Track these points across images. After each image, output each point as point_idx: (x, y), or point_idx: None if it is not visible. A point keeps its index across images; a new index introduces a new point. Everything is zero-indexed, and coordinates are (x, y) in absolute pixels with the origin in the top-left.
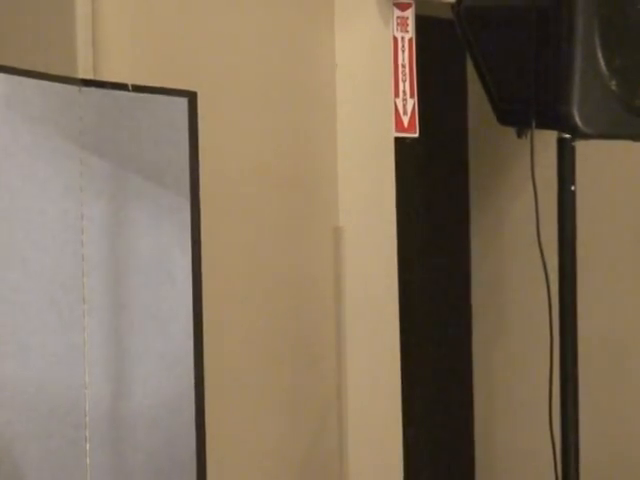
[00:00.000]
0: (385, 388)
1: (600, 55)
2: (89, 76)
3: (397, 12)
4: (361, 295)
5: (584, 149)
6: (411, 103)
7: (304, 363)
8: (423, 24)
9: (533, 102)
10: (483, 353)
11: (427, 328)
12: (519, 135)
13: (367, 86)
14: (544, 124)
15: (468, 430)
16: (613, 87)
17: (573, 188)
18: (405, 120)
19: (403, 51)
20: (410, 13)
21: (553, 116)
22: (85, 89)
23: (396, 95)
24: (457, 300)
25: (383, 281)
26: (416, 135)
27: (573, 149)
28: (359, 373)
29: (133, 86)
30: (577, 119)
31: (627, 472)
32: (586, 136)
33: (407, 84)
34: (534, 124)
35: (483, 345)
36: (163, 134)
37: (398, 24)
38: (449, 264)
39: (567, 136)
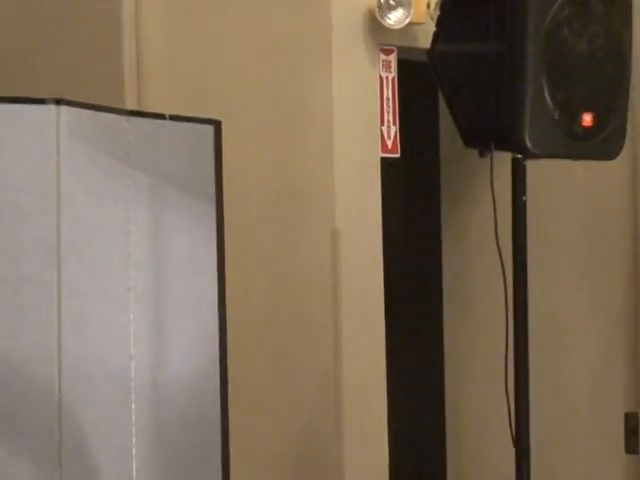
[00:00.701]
0: (373, 360)
1: (546, 91)
2: (134, 107)
3: (382, 56)
4: (354, 284)
5: (535, 166)
6: (394, 130)
7: (305, 341)
8: (403, 66)
9: (492, 129)
10: (452, 330)
11: (406, 310)
12: (481, 155)
13: (358, 115)
14: (501, 146)
15: (440, 394)
16: (556, 116)
17: (524, 198)
18: (389, 143)
19: (387, 87)
20: (393, 57)
21: (508, 140)
22: (131, 118)
23: (382, 123)
24: (431, 288)
25: (371, 272)
26: (398, 155)
27: (524, 167)
28: (352, 347)
29: (170, 115)
30: (527, 143)
31: (560, 421)
32: (535, 156)
33: (390, 114)
34: (493, 146)
35: (452, 324)
36: (194, 154)
37: (383, 66)
38: (424, 259)
39: (519, 156)
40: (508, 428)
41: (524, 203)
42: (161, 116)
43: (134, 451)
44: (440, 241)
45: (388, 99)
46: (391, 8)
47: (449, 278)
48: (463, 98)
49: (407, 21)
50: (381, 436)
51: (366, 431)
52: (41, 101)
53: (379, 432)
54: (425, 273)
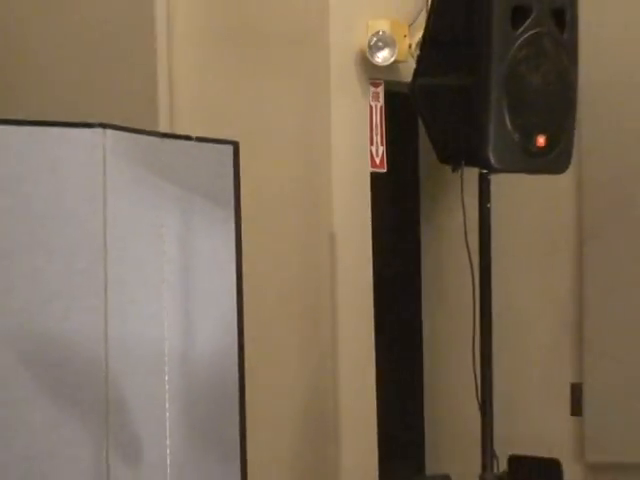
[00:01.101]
0: (364, 338)
1: (507, 117)
2: (166, 129)
3: (372, 88)
4: (348, 276)
5: (499, 179)
6: (381, 149)
7: (309, 324)
8: (389, 96)
9: (463, 148)
10: (429, 313)
11: (391, 299)
12: (453, 170)
13: (352, 137)
14: (470, 163)
15: (419, 368)
16: (516, 138)
17: (489, 205)
18: (377, 160)
19: (376, 115)
20: (381, 89)
21: (476, 158)
22: (165, 140)
23: (371, 144)
24: (412, 281)
25: (363, 267)
26: (385, 170)
27: (489, 180)
28: (347, 329)
29: (196, 137)
30: (491, 160)
31: (517, 389)
32: (497, 171)
33: (378, 136)
34: (463, 163)
35: (429, 308)
36: (216, 169)
37: (372, 96)
38: (406, 256)
39: (485, 171)
40: (475, 395)
41: (488, 209)
42: (189, 137)
43: (167, 414)
44: (419, 240)
45: (376, 124)
46: (379, 48)
47: (427, 273)
48: (438, 123)
49: (392, 59)
50: (371, 397)
51: (358, 391)
52: (90, 125)
53: (369, 395)
54: (407, 269)
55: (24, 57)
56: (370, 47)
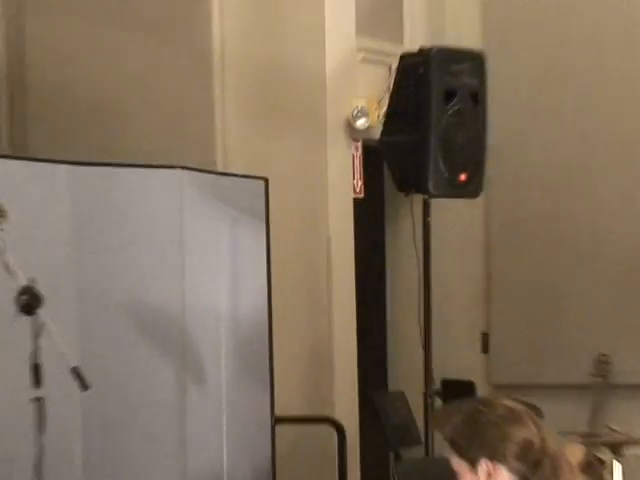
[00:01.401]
0: (348, 303)
1: (440, 161)
2: (222, 168)
3: (354, 143)
4: (339, 265)
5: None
6: (360, 183)
7: (314, 296)
8: (365, 148)
9: (413, 181)
10: (391, 291)
11: (367, 288)
12: (406, 195)
13: (340, 175)
14: (417, 191)
15: (383, 322)
16: (446, 175)
17: (428, 219)
18: (357, 189)
19: (356, 160)
20: (359, 144)
21: (421, 188)
22: (223, 177)
23: (353, 179)
24: (380, 270)
25: (348, 260)
26: (362, 196)
27: (429, 202)
28: (338, 298)
29: (241, 175)
30: (431, 189)
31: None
32: (434, 196)
33: (358, 174)
34: (413, 191)
35: (391, 288)
36: (254, 196)
37: (354, 149)
38: (375, 257)
39: (426, 196)
40: (420, 340)
41: (429, 222)
42: (236, 175)
43: (223, 352)
44: (384, 242)
45: (357, 166)
46: (358, 117)
47: (390, 263)
48: (397, 165)
49: (367, 125)
50: (353, 341)
51: (344, 337)
52: (172, 167)
53: (352, 340)
54: (377, 260)
55: (123, 119)
56: (353, 117)
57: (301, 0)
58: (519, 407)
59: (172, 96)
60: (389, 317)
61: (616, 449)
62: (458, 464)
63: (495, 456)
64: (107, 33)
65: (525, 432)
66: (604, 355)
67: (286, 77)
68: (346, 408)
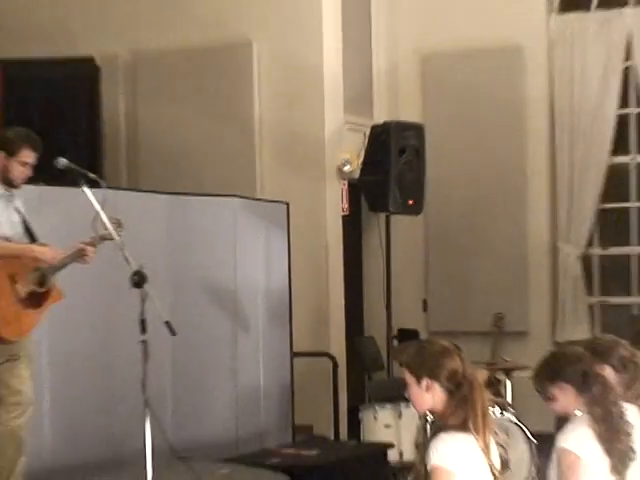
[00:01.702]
0: (338, 280)
1: (397, 192)
2: (260, 196)
3: (342, 181)
4: (333, 264)
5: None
6: (346, 205)
7: (318, 274)
8: (350, 186)
9: (379, 205)
10: (368, 280)
11: (350, 274)
12: (375, 213)
13: (335, 202)
14: (382, 211)
15: (360, 299)
16: (400, 200)
17: (389, 229)
18: (344, 209)
19: (344, 193)
20: (346, 181)
21: (384, 208)
22: (261, 202)
23: (342, 203)
24: (359, 269)
25: (338, 255)
26: (347, 213)
27: (390, 218)
28: (333, 277)
29: (271, 200)
30: (390, 209)
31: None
32: (393, 214)
33: (345, 200)
34: (380, 210)
35: (368, 280)
36: (279, 213)
37: (342, 185)
38: (354, 251)
39: (388, 214)
40: (383, 302)
41: (389, 231)
42: (269, 200)
43: (259, 310)
44: (361, 246)
45: (344, 195)
46: (345, 165)
47: (365, 261)
48: (369, 194)
49: (351, 170)
50: (340, 297)
51: (336, 305)
52: (227, 195)
53: (339, 297)
54: (355, 257)
55: (198, 166)
56: (341, 165)
57: (311, 90)
58: (449, 345)
59: (229, 149)
60: (365, 290)
61: (507, 372)
62: (409, 379)
63: (432, 376)
64: (188, 110)
65: (453, 362)
66: (500, 313)
67: (300, 138)
68: (338, 347)
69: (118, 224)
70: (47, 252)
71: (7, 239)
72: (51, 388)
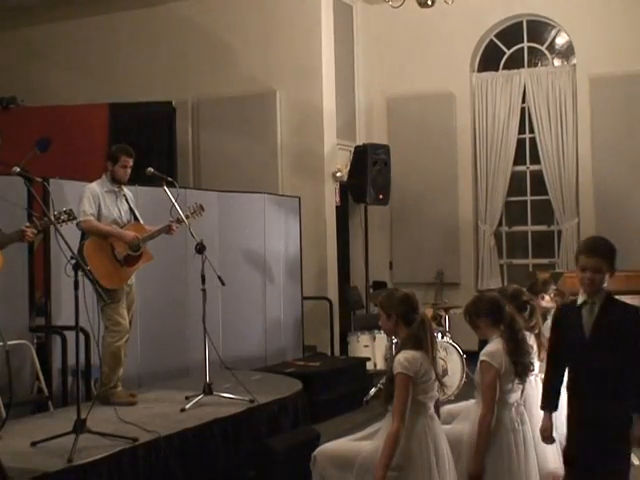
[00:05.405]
0: (332, 256)
1: (371, 189)
2: (281, 193)
3: (335, 183)
4: (329, 240)
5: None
6: (338, 198)
7: (320, 255)
8: (342, 186)
9: (360, 197)
10: (353, 263)
11: (340, 250)
12: (357, 203)
13: (329, 195)
14: (361, 202)
15: (347, 282)
16: (373, 195)
17: (367, 215)
18: (337, 201)
19: (336, 189)
20: (338, 183)
21: (363, 200)
22: (280, 197)
23: (335, 197)
24: (346, 245)
25: (332, 238)
26: (339, 204)
27: (367, 207)
28: (330, 256)
29: (288, 195)
30: (367, 201)
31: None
32: (369, 204)
33: (337, 195)
34: (360, 202)
35: (352, 254)
36: (294, 205)
37: (336, 185)
38: (344, 236)
39: (365, 204)
40: (365, 271)
41: (367, 217)
42: (287, 195)
43: (281, 270)
44: (348, 227)
45: (337, 192)
46: (338, 172)
47: (351, 239)
48: (354, 191)
49: (341, 175)
50: (334, 266)
51: (331, 268)
52: (259, 192)
53: (333, 266)
54: (344, 237)
55: (239, 174)
56: (335, 172)
57: (314, 121)
58: (408, 292)
59: (260, 161)
60: (351, 255)
61: (446, 310)
62: (381, 314)
63: (399, 313)
64: (233, 136)
65: (411, 303)
66: (440, 270)
67: (307, 154)
68: (333, 293)
69: (201, 208)
70: (127, 235)
71: (115, 221)
72: (141, 320)
